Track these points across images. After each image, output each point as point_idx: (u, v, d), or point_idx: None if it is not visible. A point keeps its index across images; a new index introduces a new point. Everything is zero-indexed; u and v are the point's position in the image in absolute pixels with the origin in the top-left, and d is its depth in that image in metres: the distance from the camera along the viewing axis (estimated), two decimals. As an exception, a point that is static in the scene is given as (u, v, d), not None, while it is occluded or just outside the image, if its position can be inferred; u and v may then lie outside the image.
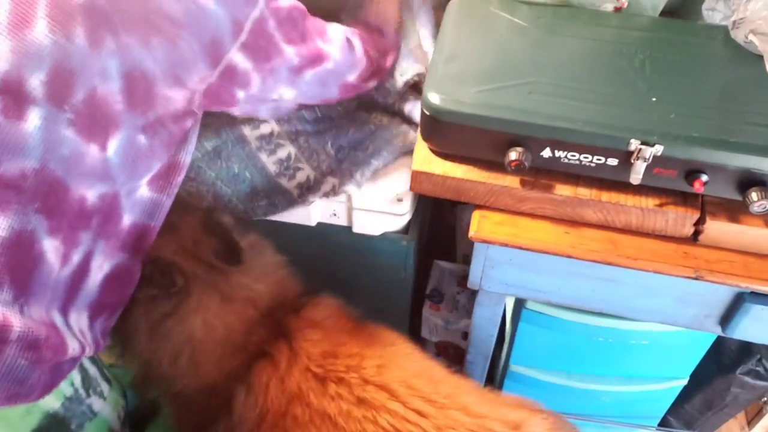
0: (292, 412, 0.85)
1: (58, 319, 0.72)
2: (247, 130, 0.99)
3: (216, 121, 0.98)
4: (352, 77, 0.90)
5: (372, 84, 0.96)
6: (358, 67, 0.90)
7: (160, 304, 0.90)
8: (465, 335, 1.46)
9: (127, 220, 0.78)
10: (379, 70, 0.94)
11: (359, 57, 0.89)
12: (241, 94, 0.79)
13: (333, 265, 1.12)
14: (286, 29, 0.78)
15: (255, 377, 0.89)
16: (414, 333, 1.44)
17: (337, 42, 0.86)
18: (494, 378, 1.34)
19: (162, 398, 0.99)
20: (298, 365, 0.88)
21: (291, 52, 0.80)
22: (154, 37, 0.67)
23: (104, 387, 0.88)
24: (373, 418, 0.82)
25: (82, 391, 0.82)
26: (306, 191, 1.00)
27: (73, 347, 0.74)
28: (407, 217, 1.04)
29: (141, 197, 0.78)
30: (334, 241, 1.06)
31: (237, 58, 0.74)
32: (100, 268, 0.77)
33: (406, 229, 1.09)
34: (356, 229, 1.05)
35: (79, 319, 0.77)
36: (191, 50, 0.70)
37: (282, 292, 0.96)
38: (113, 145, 0.70)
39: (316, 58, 0.83)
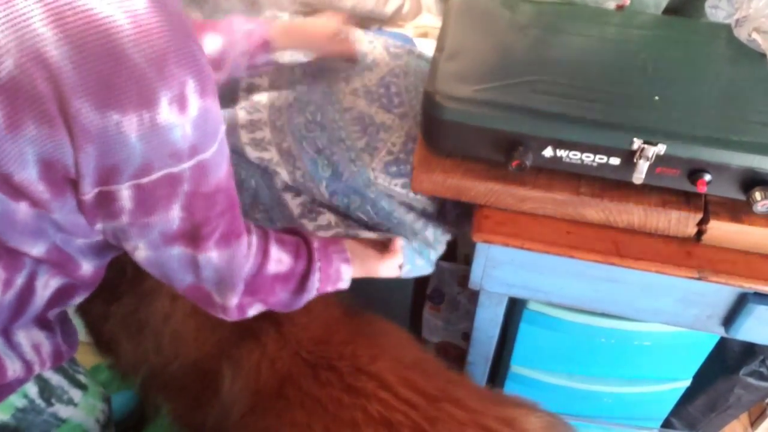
0: (284, 394, 0.86)
1: None
2: (249, 150, 0.99)
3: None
4: (214, 292, 0.78)
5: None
6: (226, 288, 0.78)
7: (125, 301, 0.89)
8: (466, 336, 1.46)
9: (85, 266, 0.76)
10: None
11: (247, 265, 0.78)
12: (99, 225, 0.69)
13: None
14: (193, 201, 0.67)
15: (244, 358, 0.88)
16: (414, 333, 1.44)
17: (228, 252, 0.74)
18: (495, 379, 1.33)
19: (161, 393, 0.99)
20: (287, 349, 0.88)
21: (176, 216, 0.68)
22: (62, 137, 0.59)
23: (74, 394, 0.88)
24: (363, 407, 0.81)
25: (39, 402, 0.82)
26: (308, 212, 1.00)
27: (13, 369, 0.74)
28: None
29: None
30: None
31: (124, 193, 0.64)
32: (45, 287, 0.75)
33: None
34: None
35: (30, 334, 0.77)
36: (88, 159, 0.61)
37: None
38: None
39: (194, 239, 0.71)
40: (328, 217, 0.99)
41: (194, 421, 0.94)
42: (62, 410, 0.86)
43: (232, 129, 1.01)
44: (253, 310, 0.81)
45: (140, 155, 0.61)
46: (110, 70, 0.57)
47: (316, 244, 0.85)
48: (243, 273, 0.77)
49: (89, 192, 0.64)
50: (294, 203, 0.99)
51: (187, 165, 0.64)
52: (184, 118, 0.61)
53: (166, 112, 0.60)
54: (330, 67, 1.10)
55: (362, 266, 0.90)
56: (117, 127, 0.59)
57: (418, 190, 0.93)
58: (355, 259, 0.89)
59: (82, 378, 0.90)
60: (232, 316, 0.79)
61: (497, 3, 0.98)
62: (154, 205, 0.66)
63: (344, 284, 0.87)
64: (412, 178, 0.90)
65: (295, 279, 0.82)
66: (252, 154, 0.98)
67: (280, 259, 0.81)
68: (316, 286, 0.84)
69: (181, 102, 0.61)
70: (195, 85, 0.61)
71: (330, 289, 0.86)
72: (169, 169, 0.63)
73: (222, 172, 0.69)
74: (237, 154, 0.98)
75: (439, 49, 0.91)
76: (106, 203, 0.65)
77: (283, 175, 0.97)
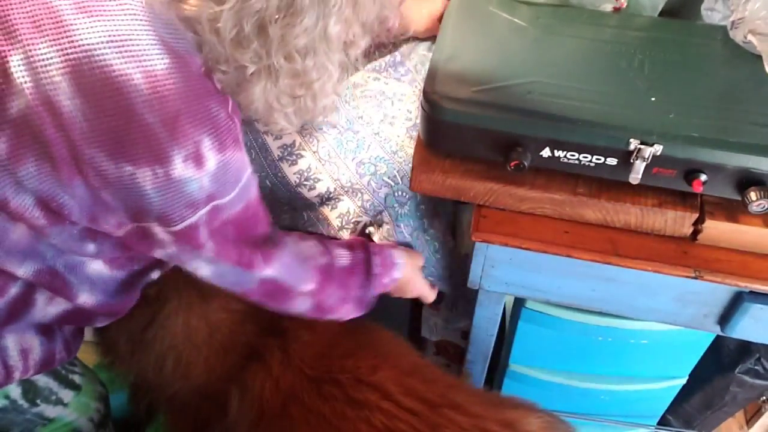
0: (288, 413, 0.86)
1: None
2: (269, 139, 1.00)
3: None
4: (295, 288, 0.82)
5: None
6: (304, 283, 0.82)
7: (138, 317, 0.89)
8: (465, 334, 1.46)
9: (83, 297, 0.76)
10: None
11: (310, 275, 0.82)
12: (158, 252, 0.71)
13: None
14: (217, 237, 0.70)
15: (249, 380, 0.89)
16: (414, 332, 1.44)
17: (278, 264, 0.78)
18: (494, 377, 1.34)
19: (156, 404, 0.99)
20: (291, 367, 0.88)
21: (209, 249, 0.70)
22: (77, 179, 0.61)
23: (65, 394, 0.88)
24: (367, 418, 0.82)
25: (22, 402, 0.82)
26: (326, 200, 1.01)
27: None
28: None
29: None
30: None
31: (157, 229, 0.67)
32: (49, 303, 0.75)
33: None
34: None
35: (22, 338, 0.77)
36: (111, 203, 0.63)
37: None
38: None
39: (243, 264, 0.75)
40: (347, 205, 1.00)
41: None
42: (49, 410, 0.85)
43: (249, 123, 1.02)
44: (336, 306, 0.85)
45: (158, 204, 0.62)
46: (121, 127, 0.57)
47: (362, 239, 0.90)
48: (311, 266, 0.81)
49: (125, 227, 0.66)
50: (311, 195, 0.99)
51: (203, 212, 0.65)
52: (202, 172, 0.62)
53: (180, 168, 0.60)
54: None
55: (409, 258, 0.95)
56: (131, 177, 0.60)
57: (418, 190, 0.93)
58: (402, 251, 0.94)
59: (76, 378, 0.90)
60: (314, 311, 0.84)
61: (495, 5, 0.99)
62: (188, 243, 0.68)
63: (398, 271, 0.91)
64: (411, 178, 0.91)
65: (360, 266, 0.86)
66: (273, 144, 0.99)
67: (340, 254, 0.85)
68: (377, 271, 0.88)
69: (197, 159, 0.61)
70: (212, 142, 0.62)
71: (388, 278, 0.90)
72: (188, 221, 0.65)
73: (238, 209, 0.69)
74: (256, 149, 0.99)
75: (439, 50, 0.91)
76: (148, 236, 0.67)
77: (308, 156, 0.98)
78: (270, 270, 0.77)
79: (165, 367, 0.90)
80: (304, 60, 0.64)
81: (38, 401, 0.83)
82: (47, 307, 0.75)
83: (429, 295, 1.05)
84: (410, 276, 0.97)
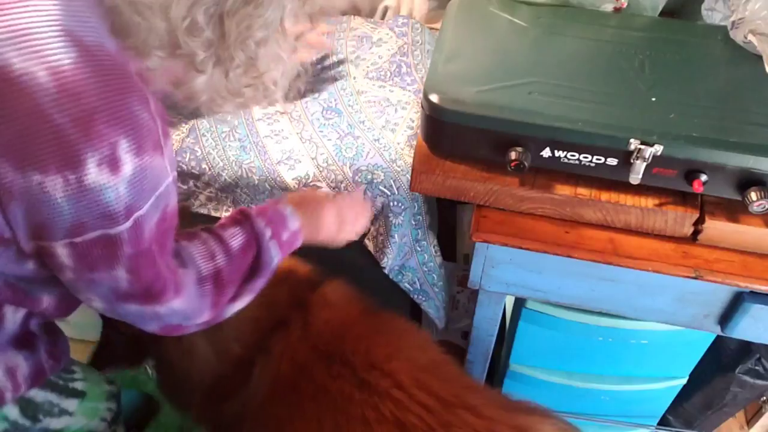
0: (298, 386, 0.86)
1: None
2: (269, 143, 1.00)
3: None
4: (185, 323, 0.75)
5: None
6: (195, 317, 0.74)
7: None
8: (465, 334, 1.46)
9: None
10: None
11: (204, 307, 0.74)
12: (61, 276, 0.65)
13: (333, 266, 1.12)
14: (138, 261, 0.63)
15: (273, 347, 0.89)
16: (414, 332, 1.44)
17: (187, 293, 0.71)
18: (494, 377, 1.34)
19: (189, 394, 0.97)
20: (308, 341, 0.88)
21: (122, 277, 0.63)
22: None
23: (69, 404, 0.85)
24: (375, 405, 0.80)
25: (23, 421, 0.78)
26: None
27: None
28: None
29: None
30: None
31: (60, 250, 0.60)
32: (15, 312, 0.71)
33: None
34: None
35: (4, 357, 0.73)
36: (17, 216, 0.57)
37: (296, 267, 0.97)
38: None
39: (149, 296, 0.67)
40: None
41: (218, 413, 0.93)
42: (54, 422, 0.83)
43: (250, 124, 1.02)
44: (242, 299, 0.77)
45: (70, 215, 0.57)
46: (28, 130, 0.53)
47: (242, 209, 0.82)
48: (207, 289, 0.73)
49: (28, 246, 0.60)
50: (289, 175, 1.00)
51: (124, 227, 0.59)
52: (117, 178, 0.56)
53: (94, 174, 0.55)
54: (336, 54, 1.13)
55: (306, 208, 0.86)
56: (40, 187, 0.54)
57: (418, 190, 0.93)
58: (298, 206, 0.85)
59: (78, 385, 0.88)
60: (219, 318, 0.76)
61: (496, 5, 0.99)
62: (95, 263, 0.61)
63: (294, 221, 0.82)
64: (411, 178, 0.91)
65: (252, 237, 0.78)
66: (273, 147, 0.99)
67: (233, 234, 0.77)
68: (266, 234, 0.79)
69: (112, 163, 0.56)
70: (129, 144, 0.56)
71: (286, 233, 0.81)
72: (103, 231, 0.59)
73: (153, 222, 0.63)
74: (255, 151, 1.00)
75: (439, 50, 0.91)
76: (47, 257, 0.61)
77: (306, 161, 0.98)
78: (178, 301, 0.69)
79: (217, 334, 0.89)
80: (257, 50, 0.62)
81: (40, 416, 0.81)
82: (15, 315, 0.72)
83: (363, 219, 0.94)
84: (318, 217, 0.87)
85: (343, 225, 0.90)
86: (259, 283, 0.79)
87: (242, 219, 0.79)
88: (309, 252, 1.07)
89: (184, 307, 0.70)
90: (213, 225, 0.79)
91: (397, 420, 0.79)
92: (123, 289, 0.64)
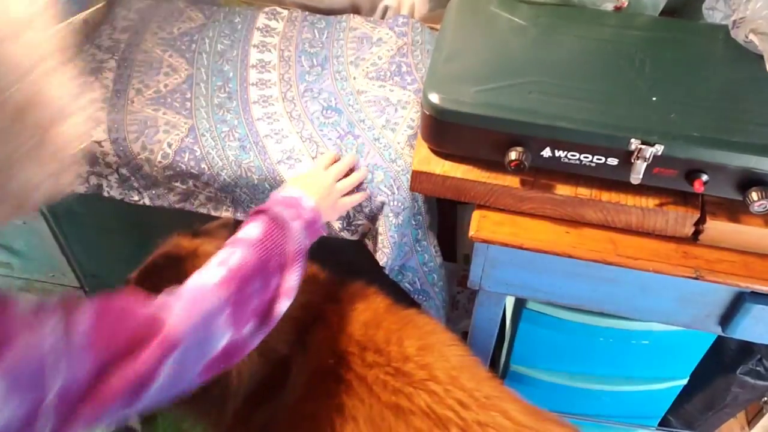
0: (336, 373, 0.86)
1: None
2: (269, 142, 1.00)
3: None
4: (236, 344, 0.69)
5: None
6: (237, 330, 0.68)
7: None
8: (465, 335, 1.46)
9: None
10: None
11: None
12: None
13: (333, 266, 1.12)
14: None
15: (311, 337, 0.89)
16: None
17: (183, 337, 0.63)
18: (494, 378, 1.34)
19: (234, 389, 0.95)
20: (345, 329, 0.88)
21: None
22: None
23: None
24: (410, 395, 0.79)
25: None
26: None
27: None
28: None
29: None
30: (333, 241, 1.06)
31: None
32: None
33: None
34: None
35: None
36: None
37: (318, 271, 0.99)
38: None
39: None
40: None
41: (250, 421, 0.91)
42: None
43: (250, 123, 1.02)
44: (282, 301, 0.73)
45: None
46: None
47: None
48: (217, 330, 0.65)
49: None
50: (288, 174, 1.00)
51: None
52: None
53: None
54: (336, 55, 1.12)
55: (304, 180, 0.86)
56: None
57: (418, 190, 0.93)
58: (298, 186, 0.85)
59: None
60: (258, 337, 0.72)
61: (496, 4, 0.99)
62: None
63: (308, 199, 0.82)
64: (411, 178, 0.91)
65: (273, 223, 0.76)
66: (273, 147, 0.99)
67: (249, 229, 0.74)
68: (290, 215, 0.77)
69: None
70: None
71: (309, 214, 0.80)
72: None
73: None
74: (255, 150, 1.00)
75: (439, 50, 0.91)
76: None
77: (306, 161, 0.98)
78: (177, 353, 0.61)
79: (284, 329, 0.88)
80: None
81: None
82: None
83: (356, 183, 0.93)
84: (322, 194, 0.86)
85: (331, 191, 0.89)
86: (296, 272, 0.75)
87: (258, 213, 0.78)
88: (310, 253, 1.07)
89: (171, 380, 0.62)
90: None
91: (432, 412, 0.78)
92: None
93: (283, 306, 0.74)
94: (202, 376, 0.66)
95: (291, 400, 0.88)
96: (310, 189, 0.85)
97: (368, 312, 0.92)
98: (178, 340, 0.62)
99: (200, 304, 0.65)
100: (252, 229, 0.75)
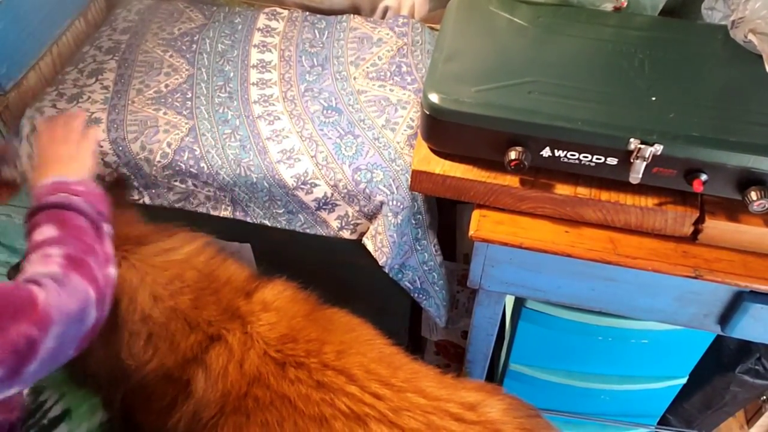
0: (253, 394, 0.86)
1: None
2: (270, 144, 1.00)
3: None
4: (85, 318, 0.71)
5: None
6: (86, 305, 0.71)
7: None
8: (465, 334, 1.46)
9: None
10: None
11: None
12: None
13: (333, 266, 1.12)
14: None
15: (212, 361, 0.89)
16: (414, 332, 1.44)
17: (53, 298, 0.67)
18: (494, 377, 1.34)
19: (130, 404, 0.97)
20: (255, 349, 0.88)
21: None
22: None
23: (60, 431, 0.85)
24: (331, 401, 0.82)
25: None
26: (323, 205, 1.01)
27: None
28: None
29: None
30: (333, 241, 1.07)
31: None
32: None
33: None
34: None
35: None
36: None
37: (232, 276, 0.95)
38: None
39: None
40: (345, 209, 1.01)
41: (166, 428, 0.93)
42: None
43: (251, 123, 1.02)
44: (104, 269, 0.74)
45: None
46: None
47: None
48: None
49: None
50: (309, 198, 1.00)
51: None
52: None
53: None
54: (336, 55, 1.13)
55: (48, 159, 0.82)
56: None
57: (418, 190, 0.93)
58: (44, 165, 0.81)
59: (59, 408, 0.88)
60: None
61: (496, 5, 0.99)
62: None
63: (64, 180, 0.79)
64: (411, 177, 0.91)
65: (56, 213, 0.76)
66: (273, 147, 0.99)
67: (41, 232, 0.73)
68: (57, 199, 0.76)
69: None
70: None
71: (81, 186, 0.79)
72: None
73: None
74: (255, 150, 1.00)
75: (439, 50, 0.91)
76: None
77: (306, 159, 0.98)
78: (50, 341, 0.65)
79: (138, 346, 0.89)
80: None
81: None
82: None
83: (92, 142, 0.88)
84: (70, 162, 0.82)
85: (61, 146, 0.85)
86: (106, 231, 0.78)
87: (33, 214, 0.76)
88: (305, 255, 1.07)
89: (64, 305, 0.66)
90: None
91: (352, 412, 0.81)
92: None
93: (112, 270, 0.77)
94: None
95: (205, 418, 0.89)
96: (57, 167, 0.81)
97: (284, 323, 0.90)
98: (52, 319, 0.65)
99: (66, 292, 0.68)
100: (46, 230, 0.74)
